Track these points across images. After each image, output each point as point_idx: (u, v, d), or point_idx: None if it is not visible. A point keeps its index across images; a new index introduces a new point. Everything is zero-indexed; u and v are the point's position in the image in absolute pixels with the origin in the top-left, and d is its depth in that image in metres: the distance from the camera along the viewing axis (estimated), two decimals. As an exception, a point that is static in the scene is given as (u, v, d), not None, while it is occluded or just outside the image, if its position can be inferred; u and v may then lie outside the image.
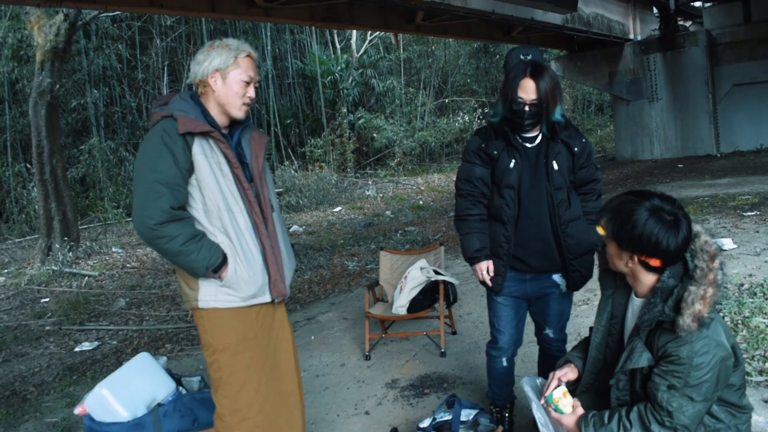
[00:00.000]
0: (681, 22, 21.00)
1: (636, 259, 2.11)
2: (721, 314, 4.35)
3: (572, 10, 14.44)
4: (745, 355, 3.76)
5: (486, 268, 3.05)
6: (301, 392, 2.87)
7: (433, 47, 26.11)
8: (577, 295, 3.36)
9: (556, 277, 3.07)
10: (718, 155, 17.78)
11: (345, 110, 22.10)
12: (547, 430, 2.38)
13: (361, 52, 23.27)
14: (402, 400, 4.05)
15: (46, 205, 11.11)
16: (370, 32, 22.43)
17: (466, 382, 4.21)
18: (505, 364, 3.25)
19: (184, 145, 2.46)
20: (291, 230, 12.29)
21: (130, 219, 14.49)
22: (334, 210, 15.22)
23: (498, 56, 26.91)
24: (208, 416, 3.03)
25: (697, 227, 2.12)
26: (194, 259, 2.45)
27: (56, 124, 11.38)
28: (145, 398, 3.03)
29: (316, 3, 10.29)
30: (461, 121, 24.25)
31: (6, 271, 11.06)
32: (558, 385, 2.38)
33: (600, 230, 2.18)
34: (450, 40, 24.56)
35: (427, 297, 4.90)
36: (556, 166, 2.93)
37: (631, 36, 19.34)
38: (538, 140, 2.98)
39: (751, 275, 5.39)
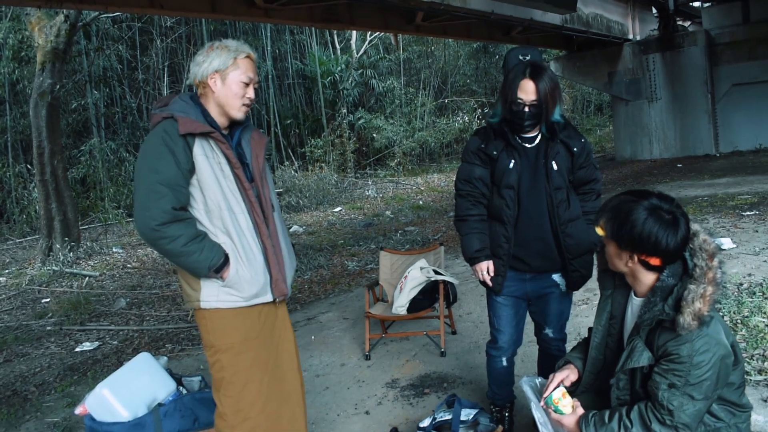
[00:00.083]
0: (680, 22, 21.01)
1: (636, 258, 2.12)
2: (721, 313, 4.36)
3: (571, 11, 14.45)
4: (744, 355, 3.77)
5: (486, 268, 3.06)
6: (302, 391, 2.89)
7: (432, 47, 26.12)
8: (577, 295, 3.37)
9: (556, 277, 3.08)
10: (717, 155, 17.78)
11: (345, 110, 22.11)
12: (547, 429, 2.38)
13: (360, 53, 23.28)
14: (402, 399, 4.06)
15: (46, 206, 11.11)
16: (369, 33, 22.44)
17: (466, 382, 4.22)
18: (504, 363, 3.26)
19: (185, 146, 2.47)
20: (291, 230, 12.29)
21: (130, 219, 14.50)
22: (334, 210, 15.23)
23: (497, 56, 26.90)
24: (208, 416, 3.04)
25: (695, 226, 2.14)
26: (196, 260, 2.46)
27: (57, 125, 11.39)
28: (146, 398, 3.04)
29: (316, 4, 10.30)
30: (461, 121, 24.25)
31: (7, 271, 11.07)
32: (557, 386, 2.40)
33: (599, 231, 2.18)
34: (450, 40, 24.56)
35: (427, 297, 4.91)
36: (555, 166, 2.94)
37: (630, 36, 19.35)
38: (537, 140, 2.99)
39: (750, 275, 5.40)
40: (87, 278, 9.59)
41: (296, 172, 18.89)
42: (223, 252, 2.53)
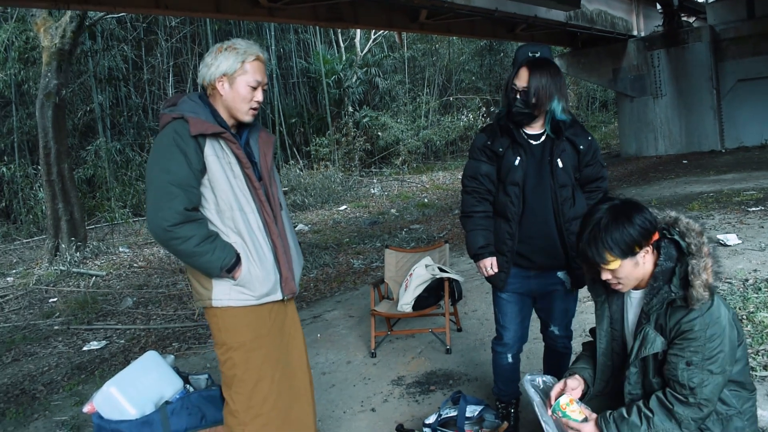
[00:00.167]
0: (684, 18, 20.93)
1: (650, 247, 2.16)
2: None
3: (575, 7, 14.42)
4: (750, 351, 3.77)
5: (490, 264, 3.07)
6: (311, 388, 2.91)
7: (437, 45, 26.08)
8: (582, 292, 3.37)
9: (561, 275, 3.08)
10: (723, 151, 17.73)
11: (351, 108, 22.11)
12: (550, 427, 2.39)
13: (365, 51, 23.27)
14: (408, 396, 4.08)
15: (53, 206, 11.16)
16: (374, 31, 22.42)
17: (471, 379, 4.23)
18: (510, 360, 3.27)
19: (196, 147, 2.48)
20: (297, 229, 12.31)
21: (136, 219, 14.57)
22: (340, 208, 15.24)
23: (502, 54, 26.86)
24: (215, 414, 3.06)
25: (672, 213, 2.24)
26: (208, 260, 2.48)
27: (63, 126, 11.43)
28: (153, 396, 3.05)
29: (320, 3, 10.30)
30: (465, 119, 24.22)
31: (14, 271, 11.13)
32: (562, 393, 2.40)
33: (613, 266, 2.16)
34: (454, 38, 24.52)
35: (433, 294, 4.92)
36: (560, 164, 2.94)
37: (635, 32, 19.30)
38: (543, 138, 3.00)
39: (755, 270, 5.39)
40: (94, 278, 9.63)
41: (301, 170, 18.92)
42: (235, 252, 2.54)
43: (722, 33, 17.84)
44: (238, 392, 2.65)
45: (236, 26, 19.53)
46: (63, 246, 10.87)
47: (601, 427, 2.20)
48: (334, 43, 24.25)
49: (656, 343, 2.14)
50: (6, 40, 15.49)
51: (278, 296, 2.69)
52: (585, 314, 4.90)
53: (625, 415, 2.16)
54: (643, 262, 2.17)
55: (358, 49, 23.20)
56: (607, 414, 2.21)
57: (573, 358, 3.08)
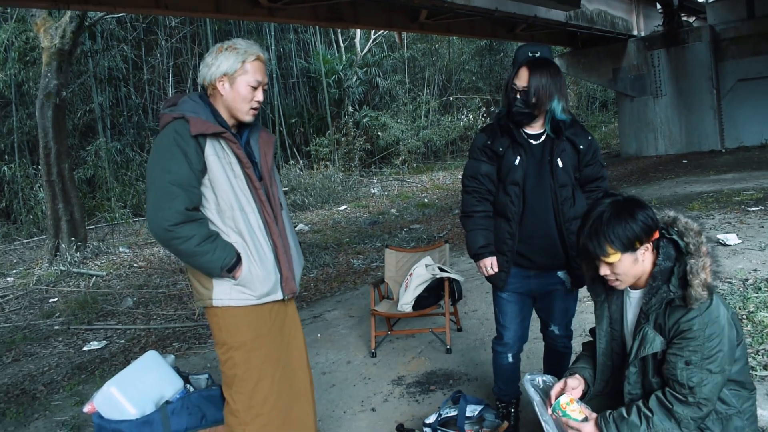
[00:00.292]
0: (684, 18, 20.93)
1: (650, 245, 2.17)
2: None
3: (575, 7, 14.43)
4: (750, 350, 3.78)
5: (490, 264, 3.08)
6: (312, 388, 2.91)
7: (437, 45, 26.09)
8: (582, 292, 3.38)
9: (561, 274, 3.09)
10: (723, 150, 17.73)
11: (351, 108, 22.12)
12: (550, 427, 2.39)
13: (365, 51, 23.27)
14: (408, 396, 4.08)
15: (53, 206, 11.16)
16: (374, 31, 22.42)
17: (471, 379, 4.24)
18: (510, 360, 3.27)
19: (196, 147, 2.48)
20: (297, 229, 12.31)
21: (136, 219, 14.57)
22: (340, 208, 15.25)
23: (502, 54, 26.87)
24: (215, 413, 3.06)
25: (670, 212, 2.24)
26: (209, 260, 2.48)
27: (63, 126, 11.44)
28: (154, 396, 3.06)
29: (320, 2, 10.30)
30: (465, 119, 24.22)
31: (14, 271, 11.13)
32: (562, 393, 2.40)
33: (612, 258, 2.17)
34: (454, 38, 24.53)
35: (433, 294, 4.92)
36: (560, 164, 2.95)
37: (635, 32, 19.30)
38: (543, 137, 3.00)
39: (755, 270, 5.40)
40: (94, 278, 9.63)
41: (301, 170, 18.92)
42: (236, 251, 2.55)
43: (722, 33, 17.84)
44: (238, 392, 2.65)
45: (236, 26, 19.54)
46: (63, 246, 10.87)
47: (600, 426, 2.20)
48: (334, 43, 24.26)
49: (655, 343, 2.15)
50: (6, 41, 15.49)
51: (279, 296, 2.69)
52: (585, 314, 4.90)
53: (625, 414, 2.17)
54: (643, 260, 2.18)
55: (358, 49, 23.20)
56: (607, 414, 2.21)
57: (573, 357, 3.08)
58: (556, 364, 3.29)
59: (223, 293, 2.59)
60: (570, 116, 2.98)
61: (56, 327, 7.23)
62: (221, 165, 2.53)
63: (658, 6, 19.71)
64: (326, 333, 5.65)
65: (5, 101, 16.91)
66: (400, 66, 25.15)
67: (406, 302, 4.92)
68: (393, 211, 13.94)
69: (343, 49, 23.93)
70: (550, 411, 2.38)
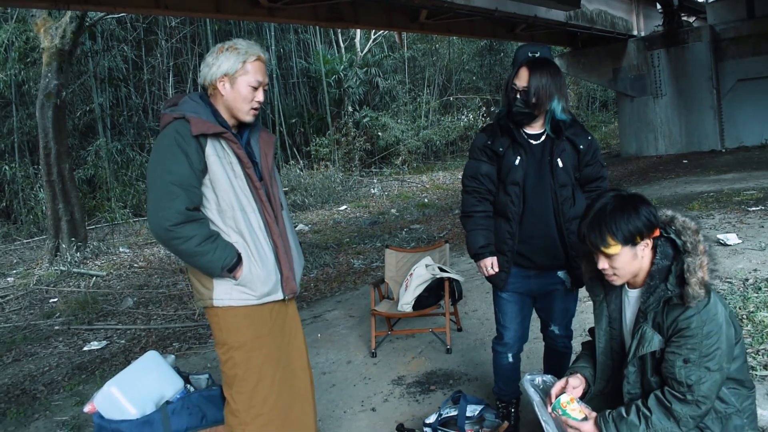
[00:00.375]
0: (684, 18, 20.94)
1: (650, 241, 2.18)
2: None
3: (575, 7, 14.43)
4: (750, 350, 3.78)
5: (490, 264, 3.08)
6: (312, 388, 2.92)
7: (437, 45, 26.10)
8: (582, 292, 3.38)
9: (561, 274, 3.09)
10: (723, 150, 17.74)
11: (351, 108, 22.12)
12: (550, 427, 2.39)
13: (365, 51, 23.27)
14: (408, 396, 4.08)
15: (53, 206, 11.17)
16: (374, 31, 22.42)
17: (471, 379, 4.24)
18: (510, 360, 3.27)
19: (197, 147, 2.48)
20: (297, 229, 12.31)
21: (137, 219, 14.57)
22: (340, 208, 15.25)
23: (503, 54, 26.88)
24: (215, 413, 3.07)
25: (668, 212, 2.25)
26: (209, 260, 2.48)
27: (63, 126, 11.44)
28: (154, 396, 3.06)
29: (320, 2, 10.30)
30: (466, 119, 24.23)
31: (15, 271, 11.14)
32: (562, 392, 2.40)
33: (613, 249, 2.17)
34: (454, 38, 24.54)
35: (433, 294, 4.92)
36: (560, 164, 2.95)
37: (635, 32, 19.30)
38: (543, 137, 3.00)
39: (756, 270, 5.40)
40: (94, 278, 9.63)
41: (301, 170, 18.93)
42: (236, 251, 2.55)
43: (722, 33, 17.85)
44: (239, 392, 2.66)
45: (236, 26, 19.54)
46: (63, 246, 10.87)
47: (600, 426, 2.20)
48: (334, 43, 24.25)
49: (654, 342, 2.15)
50: (6, 41, 15.49)
51: (279, 296, 2.69)
52: (585, 314, 4.91)
53: (624, 414, 2.17)
54: (641, 256, 2.18)
55: (358, 49, 23.20)
56: (606, 413, 2.21)
57: (573, 357, 3.08)
58: (556, 364, 3.29)
59: (224, 293, 2.59)
60: (570, 116, 2.99)
61: (56, 327, 7.23)
62: (222, 165, 2.53)
63: (658, 6, 19.72)
64: (326, 333, 5.65)
65: (5, 101, 16.92)
66: (400, 66, 25.15)
67: (406, 302, 4.92)
68: (393, 211, 13.94)
69: (343, 49, 23.93)
70: (550, 409, 2.38)
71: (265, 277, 2.61)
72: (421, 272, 5.02)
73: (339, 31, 23.39)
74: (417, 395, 4.08)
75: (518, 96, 2.89)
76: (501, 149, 3.01)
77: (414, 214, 13.22)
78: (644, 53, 18.79)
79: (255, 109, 2.64)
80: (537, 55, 2.93)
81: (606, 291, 2.41)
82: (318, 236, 11.62)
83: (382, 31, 22.34)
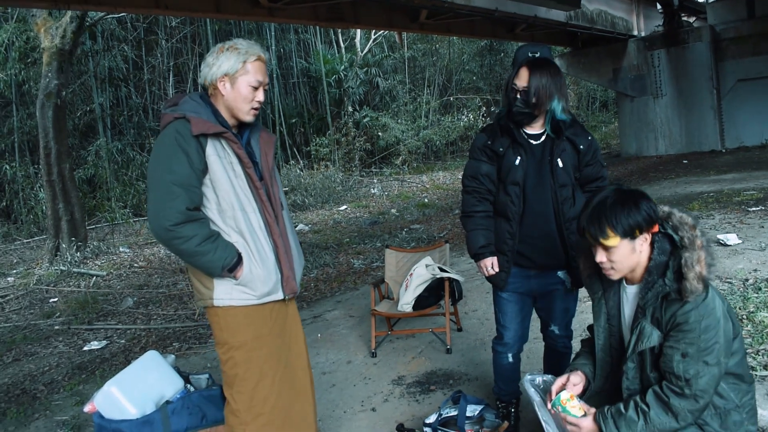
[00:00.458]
0: (685, 18, 20.94)
1: (649, 236, 2.18)
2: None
3: (575, 7, 14.43)
4: (750, 350, 3.78)
5: (490, 264, 3.08)
6: (312, 387, 2.92)
7: (437, 45, 26.09)
8: (583, 292, 3.38)
9: (561, 274, 3.09)
10: (723, 151, 17.74)
11: (351, 109, 22.11)
12: (551, 427, 2.39)
13: (365, 51, 23.27)
14: (408, 396, 4.08)
15: (53, 206, 11.17)
16: (374, 31, 22.42)
17: (471, 379, 4.24)
18: (510, 360, 3.28)
19: (197, 147, 2.48)
20: (297, 228, 12.31)
21: (137, 219, 14.57)
22: (340, 208, 15.25)
23: (502, 54, 26.88)
24: (215, 413, 3.07)
25: (665, 207, 2.26)
26: (210, 260, 2.49)
27: (63, 126, 11.44)
28: (154, 396, 3.06)
29: (320, 2, 10.30)
30: (466, 119, 24.22)
31: (15, 271, 11.14)
32: (562, 389, 2.40)
33: (612, 241, 2.17)
34: (454, 38, 24.54)
35: (433, 294, 4.92)
36: (560, 164, 2.95)
37: (635, 32, 19.30)
38: (543, 137, 3.00)
39: (756, 270, 5.40)
40: (94, 278, 9.63)
41: (302, 170, 18.92)
42: (237, 251, 2.55)
43: (722, 33, 17.85)
44: (239, 391, 2.66)
45: (236, 26, 19.54)
46: (63, 246, 10.87)
47: (599, 422, 2.21)
48: (335, 43, 24.25)
49: (652, 337, 2.16)
50: (6, 41, 15.49)
51: (279, 296, 2.70)
52: (585, 314, 4.91)
53: (623, 410, 2.17)
54: (640, 251, 2.19)
55: (359, 49, 23.19)
56: (605, 409, 2.21)
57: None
58: (556, 364, 3.29)
59: (224, 293, 2.59)
60: (570, 116, 2.99)
61: (56, 327, 7.23)
62: (222, 165, 2.54)
63: (659, 6, 19.72)
64: (326, 333, 5.65)
65: (6, 101, 16.91)
66: (401, 66, 25.15)
67: (406, 302, 4.92)
68: (393, 211, 13.94)
69: (343, 49, 23.92)
70: (549, 406, 2.38)
71: (266, 277, 2.61)
72: (421, 272, 5.02)
73: (339, 31, 23.38)
74: (417, 395, 4.08)
75: (518, 96, 2.89)
76: (501, 149, 3.02)
77: (414, 214, 13.22)
78: (644, 53, 18.79)
79: (255, 108, 2.64)
80: (537, 55, 2.93)
81: (604, 288, 2.41)
82: (318, 236, 11.62)
83: (382, 31, 22.34)
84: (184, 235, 2.44)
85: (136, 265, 10.51)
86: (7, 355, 6.41)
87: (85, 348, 6.33)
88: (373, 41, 23.45)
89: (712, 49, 17.83)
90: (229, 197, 2.55)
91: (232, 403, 2.69)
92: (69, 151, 12.08)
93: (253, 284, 2.59)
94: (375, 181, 19.46)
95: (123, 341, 6.45)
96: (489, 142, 3.06)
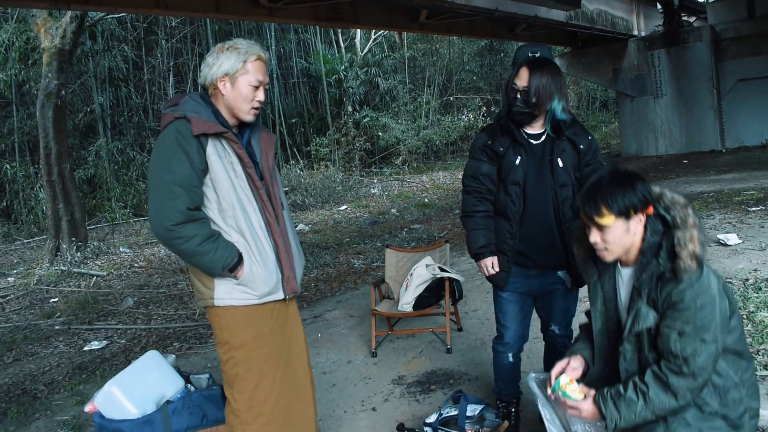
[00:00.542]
0: (685, 18, 20.94)
1: (644, 217, 2.18)
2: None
3: (576, 7, 14.43)
4: (750, 350, 3.77)
5: (491, 264, 3.08)
6: (312, 387, 2.92)
7: (437, 45, 26.09)
8: (583, 291, 3.38)
9: (561, 274, 3.10)
10: (723, 151, 17.73)
11: (351, 109, 22.11)
12: (554, 425, 2.38)
13: (365, 51, 23.26)
14: (408, 396, 4.08)
15: (54, 206, 11.17)
16: (374, 31, 22.42)
17: (472, 378, 4.24)
18: (510, 359, 3.28)
19: (198, 147, 2.49)
20: (297, 228, 12.30)
21: (137, 219, 14.57)
22: (340, 208, 15.25)
23: (503, 54, 26.88)
24: (216, 413, 3.07)
25: (656, 189, 2.25)
26: (210, 259, 2.49)
27: (63, 126, 11.44)
28: (154, 395, 3.06)
29: (320, 2, 10.30)
30: (466, 119, 24.22)
31: (15, 271, 11.14)
32: (562, 373, 2.40)
33: (607, 220, 2.17)
34: (454, 38, 24.53)
35: (433, 294, 4.92)
36: (561, 164, 2.96)
37: (635, 32, 19.30)
38: (543, 137, 3.01)
39: (756, 270, 5.40)
40: (94, 278, 9.64)
41: (302, 170, 18.92)
42: (237, 251, 2.55)
43: (722, 33, 17.85)
44: (240, 391, 2.66)
45: (236, 26, 19.53)
46: (64, 246, 10.87)
47: (598, 404, 2.20)
48: (335, 43, 24.24)
49: (648, 318, 2.15)
50: (6, 41, 15.49)
51: (280, 295, 2.70)
52: (585, 314, 4.90)
53: (622, 391, 2.16)
54: (634, 232, 2.18)
55: (359, 49, 23.18)
56: (605, 391, 2.21)
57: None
58: (557, 364, 3.29)
59: (225, 293, 2.59)
60: (570, 116, 2.99)
61: (57, 327, 7.23)
62: (223, 165, 2.54)
63: (659, 6, 19.71)
64: (327, 333, 5.65)
65: (6, 101, 16.91)
66: (401, 66, 25.14)
67: (406, 302, 4.92)
68: (393, 211, 13.94)
69: (343, 49, 23.91)
70: (549, 391, 2.37)
71: (266, 277, 2.62)
72: (422, 272, 5.02)
73: (339, 31, 23.37)
74: (417, 395, 4.08)
75: (518, 96, 2.90)
76: (501, 149, 3.02)
77: (414, 213, 13.22)
78: (644, 53, 18.78)
79: (256, 108, 2.65)
80: (537, 55, 2.93)
81: (600, 272, 2.40)
82: (318, 236, 11.62)
83: (382, 31, 22.33)
84: (184, 234, 2.44)
85: (136, 265, 10.52)
86: (8, 355, 6.41)
87: (86, 348, 6.33)
88: (373, 41, 23.45)
89: (713, 49, 17.82)
90: (229, 197, 2.56)
91: (232, 402, 2.69)
92: (69, 151, 12.08)
93: (253, 284, 2.59)
94: (375, 181, 19.46)
95: (123, 341, 6.46)
96: (489, 142, 3.07)
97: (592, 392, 2.26)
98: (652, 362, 2.18)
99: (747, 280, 5.14)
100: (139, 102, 18.86)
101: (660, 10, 19.47)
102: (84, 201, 13.78)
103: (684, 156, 17.59)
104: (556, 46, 20.15)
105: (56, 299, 8.70)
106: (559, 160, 2.96)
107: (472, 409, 3.21)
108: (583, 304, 4.99)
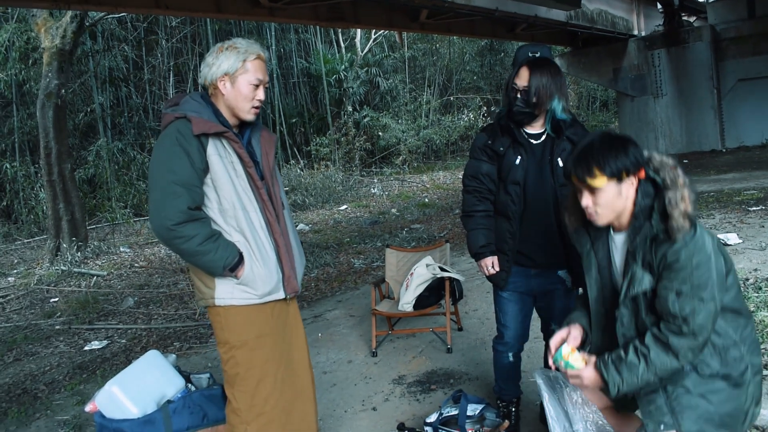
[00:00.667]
0: (685, 18, 20.92)
1: (635, 181, 2.17)
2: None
3: (576, 7, 14.42)
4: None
5: (491, 263, 3.09)
6: (313, 387, 2.92)
7: (437, 45, 26.08)
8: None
9: (562, 273, 3.10)
10: (723, 150, 17.73)
11: (351, 108, 22.11)
12: (558, 423, 2.37)
13: (365, 51, 23.25)
14: (409, 395, 4.09)
15: (54, 206, 11.16)
16: (374, 31, 22.41)
17: (472, 378, 4.24)
18: (511, 359, 3.29)
19: (198, 146, 2.49)
20: (297, 228, 12.28)
21: (137, 219, 14.57)
22: (340, 208, 15.25)
23: (503, 53, 26.87)
24: (217, 413, 3.08)
25: (644, 152, 2.23)
26: (211, 259, 2.49)
27: (64, 126, 11.44)
28: (155, 395, 3.07)
29: (321, 2, 10.29)
30: (466, 118, 24.21)
31: (15, 271, 11.14)
32: (562, 343, 2.38)
33: (599, 182, 2.15)
34: (454, 38, 24.52)
35: (433, 294, 4.93)
36: (561, 163, 2.96)
37: (636, 32, 19.28)
38: (543, 137, 3.01)
39: (756, 270, 5.41)
40: (95, 278, 9.64)
41: (302, 170, 18.91)
42: (238, 251, 2.56)
43: (723, 32, 17.84)
44: (240, 391, 2.66)
45: (236, 26, 19.52)
46: (64, 246, 10.87)
47: (599, 369, 2.19)
48: (335, 43, 24.23)
49: (644, 281, 2.14)
50: (7, 41, 15.48)
51: (281, 295, 2.70)
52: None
53: (622, 355, 2.15)
54: (626, 195, 2.17)
55: (359, 49, 23.17)
56: (605, 356, 2.20)
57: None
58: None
59: (226, 292, 2.59)
60: (570, 116, 3.00)
61: (57, 327, 7.23)
62: (223, 164, 2.54)
63: (659, 6, 19.69)
64: (327, 332, 5.65)
65: (6, 101, 16.90)
66: (401, 66, 25.12)
67: (406, 302, 4.92)
68: (393, 210, 13.94)
69: (343, 49, 23.90)
70: (551, 362, 2.36)
71: (267, 276, 2.62)
72: (422, 272, 5.02)
73: (339, 30, 23.36)
74: (418, 394, 4.08)
75: (519, 96, 2.90)
76: (501, 149, 3.03)
77: (414, 213, 13.22)
78: (645, 53, 18.76)
79: (256, 107, 2.65)
80: (537, 54, 2.94)
81: (592, 239, 2.39)
82: (318, 236, 11.62)
83: (382, 31, 22.32)
84: (185, 234, 2.45)
85: (136, 264, 10.52)
86: (8, 355, 6.42)
87: (86, 348, 6.33)
88: (374, 41, 23.44)
89: (713, 49, 17.81)
90: (230, 197, 2.56)
91: (233, 402, 2.69)
92: (69, 151, 12.08)
93: (254, 283, 2.59)
94: (375, 180, 19.45)
95: (124, 341, 6.46)
96: (489, 142, 3.07)
97: (593, 359, 2.25)
98: (649, 325, 2.16)
99: (747, 279, 5.15)
100: (140, 102, 18.86)
101: (660, 10, 19.45)
102: (84, 201, 13.78)
103: (684, 156, 17.57)
104: (557, 45, 20.14)
105: (56, 299, 8.70)
106: (559, 159, 2.96)
107: (473, 409, 3.21)
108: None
